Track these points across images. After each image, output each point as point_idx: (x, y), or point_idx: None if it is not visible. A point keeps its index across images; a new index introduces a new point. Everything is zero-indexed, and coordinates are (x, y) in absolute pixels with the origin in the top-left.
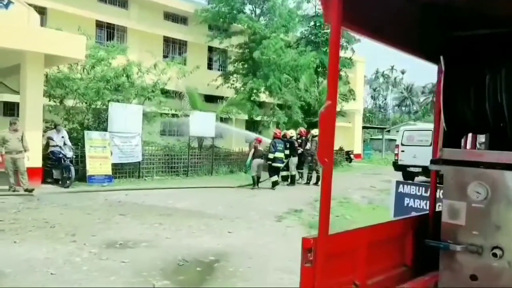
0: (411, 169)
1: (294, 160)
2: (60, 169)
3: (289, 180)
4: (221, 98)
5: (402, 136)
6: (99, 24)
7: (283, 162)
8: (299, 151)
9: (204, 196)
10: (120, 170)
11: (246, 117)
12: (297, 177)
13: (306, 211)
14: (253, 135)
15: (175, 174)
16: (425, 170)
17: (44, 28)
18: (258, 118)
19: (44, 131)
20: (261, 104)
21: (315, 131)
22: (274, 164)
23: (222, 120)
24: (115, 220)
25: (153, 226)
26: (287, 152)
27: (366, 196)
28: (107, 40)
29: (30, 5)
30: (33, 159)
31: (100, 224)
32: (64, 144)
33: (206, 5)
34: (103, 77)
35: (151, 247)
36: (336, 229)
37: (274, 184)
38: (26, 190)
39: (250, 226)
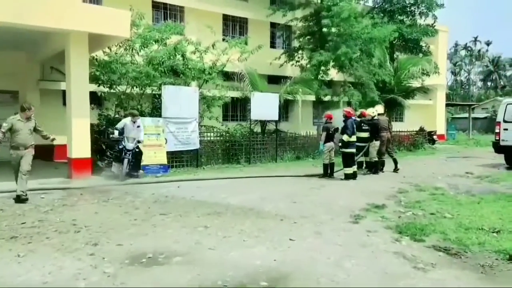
0: None
1: (376, 143)
2: (119, 162)
3: (363, 168)
4: (285, 78)
5: (505, 111)
6: (155, 5)
7: (361, 147)
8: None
9: (264, 188)
10: (177, 159)
11: (313, 97)
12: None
13: (390, 207)
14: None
15: (236, 162)
16: None
17: (85, 4)
18: (327, 98)
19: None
20: (330, 83)
21: (371, 111)
22: (349, 150)
23: (286, 101)
24: (154, 222)
25: (196, 230)
26: (365, 134)
27: (462, 185)
28: (164, 21)
29: None
30: (82, 149)
31: (134, 227)
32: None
33: None
34: (154, 58)
35: (185, 264)
36: (438, 234)
37: (353, 176)
38: (18, 198)
39: (318, 231)
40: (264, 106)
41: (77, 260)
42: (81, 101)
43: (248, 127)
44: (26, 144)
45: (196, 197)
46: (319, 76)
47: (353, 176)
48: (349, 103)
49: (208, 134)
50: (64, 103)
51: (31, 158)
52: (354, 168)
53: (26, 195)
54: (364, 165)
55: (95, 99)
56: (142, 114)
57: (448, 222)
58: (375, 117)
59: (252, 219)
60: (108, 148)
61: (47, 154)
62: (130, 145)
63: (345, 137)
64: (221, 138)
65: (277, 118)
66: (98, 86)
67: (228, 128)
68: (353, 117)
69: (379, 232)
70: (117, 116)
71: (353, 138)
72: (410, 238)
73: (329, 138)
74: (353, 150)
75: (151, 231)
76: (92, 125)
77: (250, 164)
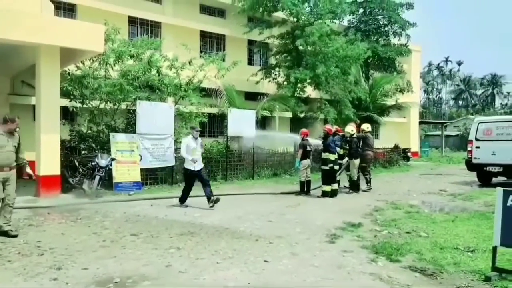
0: (489, 168)
1: (356, 162)
2: (90, 179)
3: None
4: (262, 94)
5: (477, 130)
6: (132, 20)
7: (339, 164)
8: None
9: (240, 206)
10: (152, 176)
11: (290, 114)
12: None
13: (366, 226)
14: (294, 136)
15: (213, 179)
16: (508, 170)
17: (57, 18)
18: (303, 115)
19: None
20: (306, 100)
21: (366, 126)
22: (329, 167)
23: (263, 118)
24: (123, 243)
25: (168, 252)
26: (340, 151)
27: (437, 202)
28: (141, 36)
29: (58, 2)
30: (51, 166)
31: (102, 249)
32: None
33: None
34: (129, 72)
35: None
36: (414, 254)
37: (332, 193)
38: (5, 233)
39: (294, 251)
40: (241, 122)
41: (38, 286)
42: (51, 116)
43: (224, 144)
44: (11, 163)
45: (169, 216)
46: (296, 93)
47: (332, 193)
48: (325, 120)
49: None
50: (35, 118)
51: (15, 181)
52: (335, 185)
53: (16, 230)
54: (343, 183)
55: (67, 114)
56: (115, 130)
57: (423, 241)
58: (354, 135)
59: (227, 239)
60: (80, 165)
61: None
62: (103, 162)
63: (332, 156)
64: None
65: (254, 135)
66: (70, 101)
67: (205, 145)
68: (339, 134)
69: (355, 252)
70: (89, 131)
71: (332, 155)
72: (386, 258)
73: (306, 155)
74: (335, 167)
75: (120, 253)
76: (63, 141)
77: (226, 181)
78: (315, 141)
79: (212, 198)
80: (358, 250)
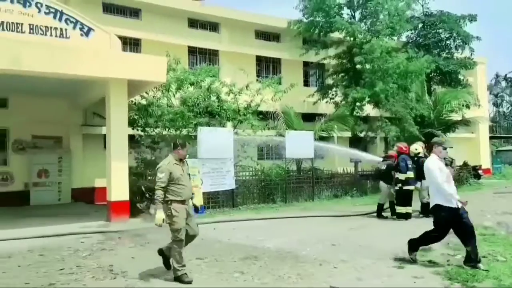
0: None
1: (425, 183)
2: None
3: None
4: (320, 115)
5: None
6: (191, 50)
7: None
8: None
9: (302, 229)
10: (213, 199)
11: (349, 134)
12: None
13: (437, 250)
14: (358, 153)
15: (272, 202)
16: None
17: (124, 53)
18: (363, 134)
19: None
20: (365, 119)
21: (414, 148)
22: (406, 187)
23: (322, 139)
24: (189, 267)
25: (232, 276)
26: (410, 174)
27: None
28: (199, 64)
29: (124, 38)
30: (120, 192)
31: (170, 273)
32: None
33: (300, 17)
34: (189, 99)
35: None
36: (491, 280)
37: (406, 216)
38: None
39: (360, 277)
40: (299, 144)
41: None
42: (120, 145)
43: (283, 166)
44: (191, 194)
45: (232, 239)
46: (355, 112)
47: (406, 216)
48: (386, 139)
49: (244, 173)
50: (105, 147)
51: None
52: (409, 208)
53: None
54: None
55: (133, 142)
56: None
57: (501, 266)
58: (419, 154)
59: (290, 264)
60: (146, 190)
61: (89, 196)
62: None
63: (400, 175)
64: (257, 177)
65: (312, 156)
66: (133, 129)
67: (263, 168)
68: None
69: (427, 278)
70: (153, 158)
71: (410, 175)
72: (462, 285)
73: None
74: (411, 188)
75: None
76: (130, 168)
77: (286, 204)
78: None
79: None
80: (430, 276)
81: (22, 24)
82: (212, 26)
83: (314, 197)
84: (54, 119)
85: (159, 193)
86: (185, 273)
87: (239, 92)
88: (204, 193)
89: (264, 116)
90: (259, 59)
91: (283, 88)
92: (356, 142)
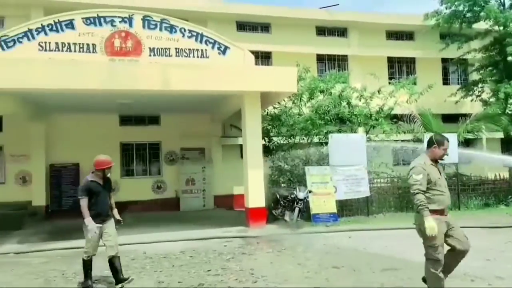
0: None
1: None
2: (291, 211)
3: None
4: (464, 115)
5: None
6: (320, 58)
7: None
8: None
9: None
10: (346, 207)
11: (501, 135)
12: None
13: None
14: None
15: (410, 210)
16: None
17: (256, 67)
18: None
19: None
20: None
21: None
22: None
23: (467, 141)
24: (326, 275)
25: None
26: None
27: None
28: (328, 71)
29: (256, 52)
30: (257, 199)
31: (307, 280)
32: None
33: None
34: (320, 107)
35: None
36: None
37: None
38: None
39: None
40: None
41: None
42: (256, 153)
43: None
44: (449, 203)
45: (368, 249)
46: (507, 110)
47: None
48: None
49: (378, 180)
50: (241, 156)
51: None
52: None
53: None
54: None
55: (266, 151)
56: (309, 163)
57: None
58: None
59: None
60: (281, 197)
61: (228, 203)
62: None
63: None
64: (392, 184)
65: (456, 161)
66: (268, 139)
67: (400, 174)
68: None
69: None
70: (286, 166)
71: None
72: None
73: None
74: None
75: (324, 285)
76: (267, 175)
77: None
78: None
79: None
80: None
81: (169, 48)
82: (340, 31)
83: (460, 205)
84: (198, 132)
85: (421, 197)
86: None
87: (370, 96)
88: (337, 201)
89: (398, 119)
90: (391, 61)
91: (418, 89)
92: (509, 144)
